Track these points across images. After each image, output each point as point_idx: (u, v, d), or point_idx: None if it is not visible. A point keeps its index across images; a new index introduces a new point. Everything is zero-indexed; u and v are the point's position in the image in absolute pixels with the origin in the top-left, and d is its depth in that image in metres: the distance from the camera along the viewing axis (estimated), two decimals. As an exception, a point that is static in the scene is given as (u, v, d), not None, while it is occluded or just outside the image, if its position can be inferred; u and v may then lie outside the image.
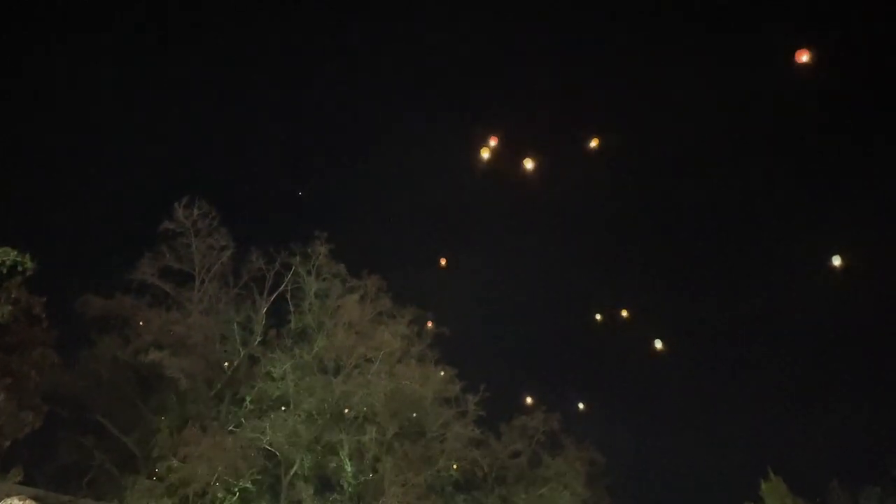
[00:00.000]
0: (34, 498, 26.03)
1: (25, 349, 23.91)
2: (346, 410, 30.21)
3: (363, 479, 29.99)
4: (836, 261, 27.78)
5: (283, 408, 29.62)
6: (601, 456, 34.78)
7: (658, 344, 33.66)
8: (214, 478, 26.10)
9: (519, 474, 34.00)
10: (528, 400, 32.14)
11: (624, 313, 36.46)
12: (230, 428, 28.97)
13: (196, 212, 30.55)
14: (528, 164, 28.75)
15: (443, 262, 34.28)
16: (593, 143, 30.52)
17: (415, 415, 31.61)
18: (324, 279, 31.35)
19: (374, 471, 29.93)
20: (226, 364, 30.74)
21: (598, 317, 35.98)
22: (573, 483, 33.30)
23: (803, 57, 23.93)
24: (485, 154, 29.20)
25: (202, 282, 30.97)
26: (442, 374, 31.63)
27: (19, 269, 23.27)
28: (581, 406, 34.96)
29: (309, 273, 31.33)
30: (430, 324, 32.43)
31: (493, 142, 29.16)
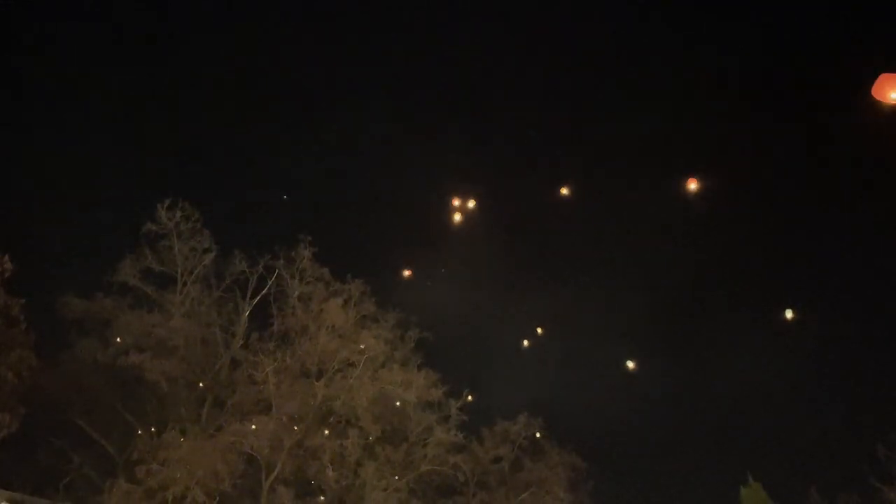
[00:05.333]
0: (10, 501, 25.84)
1: (3, 351, 23.73)
2: (329, 415, 30.13)
3: (344, 483, 29.90)
4: (789, 314, 31.63)
5: (264, 412, 29.46)
6: (582, 461, 34.92)
7: (630, 364, 34.93)
8: (194, 481, 25.91)
9: (500, 479, 34.04)
10: (469, 398, 32.21)
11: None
12: (211, 431, 28.78)
13: (179, 214, 30.35)
14: (471, 203, 30.49)
15: (407, 273, 34.28)
16: (562, 191, 32.14)
17: (397, 419, 31.58)
18: (307, 283, 31.21)
19: (356, 475, 29.84)
20: (207, 367, 30.57)
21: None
22: (555, 488, 33.38)
23: (692, 185, 28.08)
24: (456, 215, 30.60)
25: (184, 284, 30.78)
26: (425, 378, 31.60)
27: (-2, 269, 23.11)
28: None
29: (292, 276, 31.18)
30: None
31: (455, 202, 30.64)
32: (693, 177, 28.03)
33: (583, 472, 35.06)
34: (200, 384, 30.30)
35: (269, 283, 31.27)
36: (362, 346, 29.90)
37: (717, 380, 42.71)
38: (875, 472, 32.64)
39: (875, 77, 12.99)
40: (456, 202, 30.67)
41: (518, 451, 34.19)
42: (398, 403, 31.05)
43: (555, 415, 36.02)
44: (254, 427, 28.27)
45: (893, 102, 13.87)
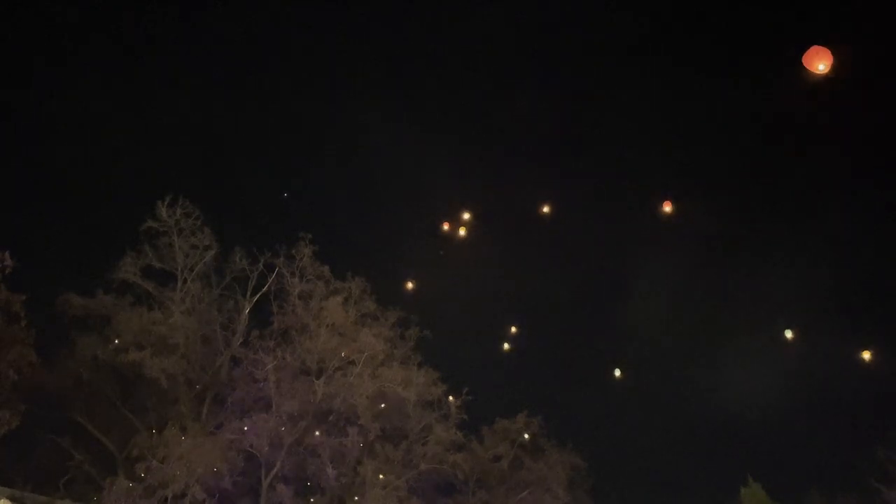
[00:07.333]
0: (11, 498, 25.86)
1: (3, 348, 23.72)
2: (328, 413, 30.14)
3: (344, 481, 29.91)
4: (788, 334, 32.47)
5: (264, 409, 29.47)
6: (582, 460, 34.93)
7: (617, 372, 35.42)
8: (194, 479, 25.92)
9: (500, 478, 34.05)
10: (451, 399, 32.21)
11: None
12: (211, 429, 28.81)
13: (179, 211, 30.32)
14: (466, 215, 31.83)
15: (409, 285, 34.36)
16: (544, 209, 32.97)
17: (397, 417, 31.57)
18: (308, 280, 31.18)
19: (356, 473, 29.85)
20: (207, 365, 30.57)
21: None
22: (555, 487, 33.38)
23: (666, 207, 29.07)
24: (462, 231, 31.11)
25: (184, 282, 30.75)
26: (425, 376, 31.59)
27: (-2, 266, 23.11)
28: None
29: (293, 274, 31.14)
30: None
31: (445, 226, 31.26)
32: (671, 196, 28.77)
33: (582, 472, 35.11)
34: (200, 382, 30.31)
35: (270, 280, 31.25)
36: (345, 353, 29.91)
37: (718, 381, 42.79)
38: (874, 472, 32.71)
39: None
40: (447, 225, 31.10)
41: (518, 450, 34.21)
42: (384, 406, 30.95)
43: (554, 415, 36.15)
44: (248, 428, 28.26)
45: (820, 73, 14.17)
